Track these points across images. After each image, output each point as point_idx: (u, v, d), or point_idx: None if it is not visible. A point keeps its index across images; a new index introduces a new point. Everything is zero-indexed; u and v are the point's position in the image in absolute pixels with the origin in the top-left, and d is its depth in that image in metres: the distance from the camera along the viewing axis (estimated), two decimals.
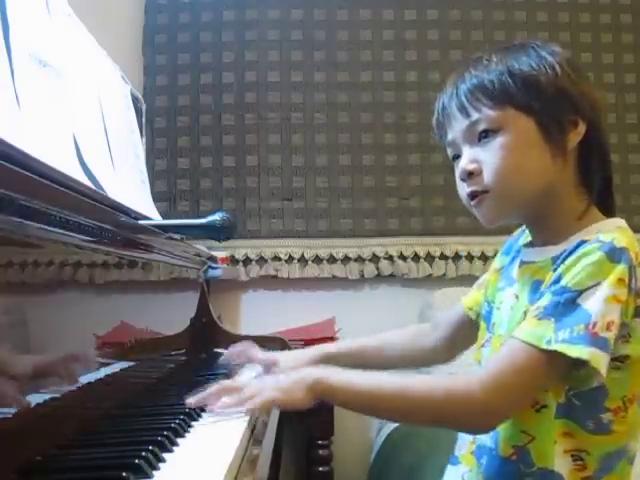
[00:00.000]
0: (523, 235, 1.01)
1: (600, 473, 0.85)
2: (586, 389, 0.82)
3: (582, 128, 0.88)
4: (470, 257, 2.13)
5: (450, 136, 0.93)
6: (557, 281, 0.82)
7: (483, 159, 0.89)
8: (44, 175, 0.64)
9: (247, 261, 2.11)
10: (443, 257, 2.14)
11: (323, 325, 1.97)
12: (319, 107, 2.16)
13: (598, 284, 0.79)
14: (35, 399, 0.65)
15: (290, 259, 2.11)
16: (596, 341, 0.77)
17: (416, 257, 2.14)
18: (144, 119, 1.60)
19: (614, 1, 2.27)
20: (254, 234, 2.12)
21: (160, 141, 2.11)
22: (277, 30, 2.17)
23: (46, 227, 0.63)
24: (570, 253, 0.83)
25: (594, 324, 0.77)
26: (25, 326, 0.65)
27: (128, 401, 0.93)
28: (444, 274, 2.13)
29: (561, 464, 0.84)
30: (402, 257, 2.14)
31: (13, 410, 0.60)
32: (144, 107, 1.60)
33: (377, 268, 2.14)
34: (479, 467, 0.93)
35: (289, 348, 1.47)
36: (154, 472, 0.60)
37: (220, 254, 1.83)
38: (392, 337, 1.19)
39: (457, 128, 0.92)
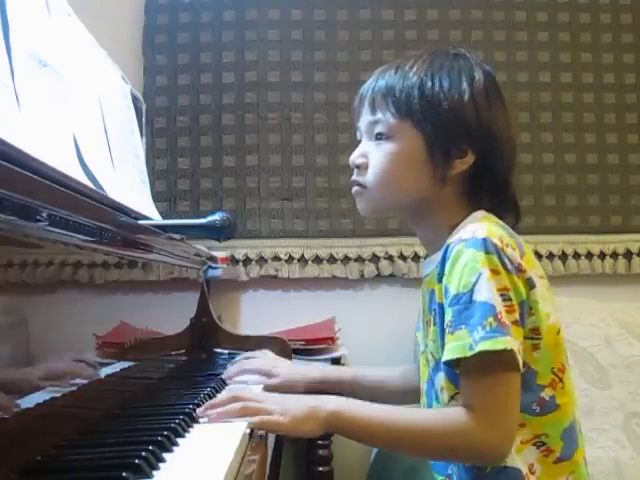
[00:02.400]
0: None
1: (568, 451, 0.88)
2: None
3: (470, 159, 0.92)
4: None
5: (359, 123, 1.01)
6: (447, 293, 0.85)
7: (371, 158, 0.96)
8: (44, 175, 0.63)
9: (247, 261, 2.11)
10: None
11: (323, 325, 1.97)
12: (319, 107, 2.16)
13: (480, 274, 0.82)
14: (35, 399, 0.64)
15: (290, 259, 2.11)
16: (507, 329, 0.80)
17: (416, 257, 2.13)
18: (144, 119, 1.60)
19: (614, 1, 2.27)
20: (254, 234, 2.11)
21: (160, 141, 2.11)
22: (277, 30, 2.17)
23: (46, 227, 0.63)
24: (443, 260, 0.87)
25: (500, 313, 0.80)
26: (25, 326, 0.65)
27: (128, 401, 0.93)
28: None
29: (518, 458, 0.86)
30: (402, 257, 2.13)
31: (13, 410, 0.60)
32: (144, 107, 1.60)
33: (377, 268, 2.13)
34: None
35: (289, 348, 1.47)
36: (154, 472, 0.60)
37: (220, 254, 1.83)
38: (393, 373, 1.18)
39: (364, 119, 0.99)
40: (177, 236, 1.26)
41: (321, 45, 2.18)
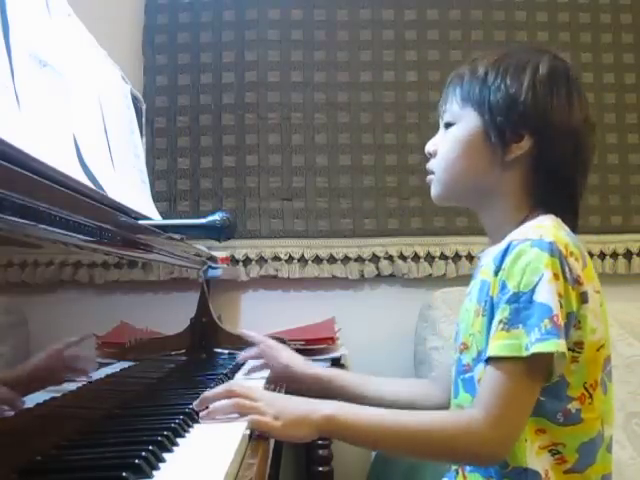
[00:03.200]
0: None
1: (581, 465, 0.87)
2: (549, 384, 0.85)
3: (526, 144, 0.94)
4: (470, 257, 2.13)
5: (440, 112, 1.05)
6: (503, 289, 0.86)
7: (439, 144, 1.02)
8: (44, 175, 0.63)
9: (247, 261, 2.11)
10: (443, 257, 2.14)
11: (323, 325, 1.97)
12: (319, 107, 2.16)
13: (542, 275, 0.83)
14: (35, 399, 0.65)
15: (290, 259, 2.11)
16: (561, 332, 0.81)
17: (416, 257, 2.13)
18: (144, 119, 1.60)
19: (614, 1, 2.27)
20: (254, 234, 2.11)
21: (160, 141, 2.11)
22: (277, 30, 2.17)
23: (46, 227, 0.63)
24: (503, 256, 0.87)
25: (557, 316, 0.81)
26: (25, 326, 0.65)
27: (128, 401, 0.93)
28: (444, 274, 2.13)
29: (537, 461, 0.86)
30: (402, 257, 2.13)
31: (13, 410, 0.60)
32: (144, 107, 1.60)
33: (377, 268, 2.13)
34: (457, 470, 0.95)
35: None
36: (154, 472, 0.60)
37: (220, 254, 1.83)
38: (396, 383, 1.17)
39: (441, 110, 1.04)
40: (177, 236, 1.26)
41: (321, 45, 2.18)
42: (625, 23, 2.26)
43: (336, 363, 1.84)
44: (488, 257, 0.96)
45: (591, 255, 2.17)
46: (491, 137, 0.95)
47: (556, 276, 0.83)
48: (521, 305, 0.83)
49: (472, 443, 0.83)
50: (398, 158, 2.15)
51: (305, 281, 2.13)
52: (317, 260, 2.12)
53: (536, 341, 0.80)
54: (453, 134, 0.99)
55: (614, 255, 2.19)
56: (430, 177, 1.03)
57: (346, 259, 2.13)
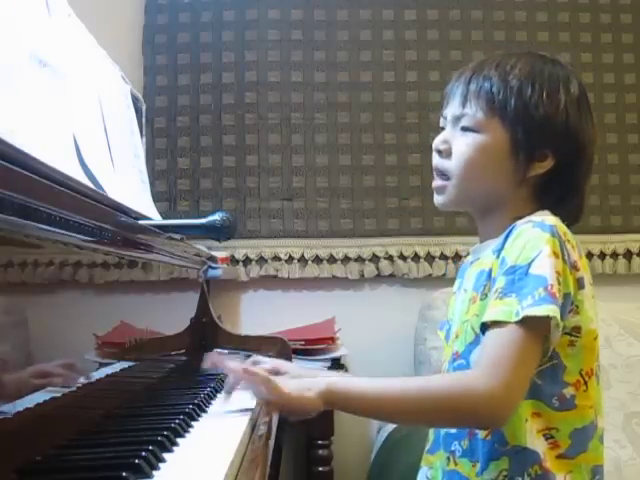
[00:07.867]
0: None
1: (573, 451, 0.89)
2: (546, 366, 0.87)
3: (548, 164, 0.95)
4: None
5: (446, 110, 1.01)
6: (502, 263, 0.89)
7: (455, 146, 0.98)
8: (44, 175, 0.63)
9: (247, 261, 2.11)
10: (443, 257, 2.14)
11: (323, 325, 1.97)
12: (319, 107, 2.16)
13: (540, 252, 0.85)
14: (35, 399, 0.64)
15: (290, 259, 2.11)
16: (556, 300, 0.83)
17: (416, 257, 2.14)
18: (144, 119, 1.60)
19: (614, 1, 2.27)
20: (254, 234, 2.11)
21: (160, 141, 2.11)
22: (277, 30, 2.17)
23: (46, 227, 0.63)
24: (506, 238, 0.90)
25: (551, 285, 0.83)
26: (25, 326, 0.65)
27: (128, 401, 0.93)
28: (444, 274, 2.13)
29: (535, 443, 0.88)
30: (402, 257, 2.13)
31: (13, 410, 0.60)
32: (144, 107, 1.60)
33: (377, 268, 2.13)
34: (448, 457, 0.94)
35: (289, 348, 1.47)
36: (154, 472, 0.60)
37: (220, 254, 1.83)
38: None
39: (451, 109, 1.00)
40: (177, 236, 1.26)
41: (321, 45, 2.18)
42: (625, 23, 2.26)
43: (336, 363, 1.84)
44: (483, 251, 0.98)
45: (591, 255, 2.17)
46: (518, 154, 0.94)
47: (555, 254, 0.85)
48: (516, 277, 0.85)
49: (471, 402, 0.83)
50: (398, 158, 2.15)
51: (305, 281, 2.13)
52: (317, 260, 2.12)
53: (527, 307, 0.82)
54: (476, 140, 0.96)
55: (614, 255, 2.19)
56: (444, 183, 0.99)
57: (346, 259, 2.13)
